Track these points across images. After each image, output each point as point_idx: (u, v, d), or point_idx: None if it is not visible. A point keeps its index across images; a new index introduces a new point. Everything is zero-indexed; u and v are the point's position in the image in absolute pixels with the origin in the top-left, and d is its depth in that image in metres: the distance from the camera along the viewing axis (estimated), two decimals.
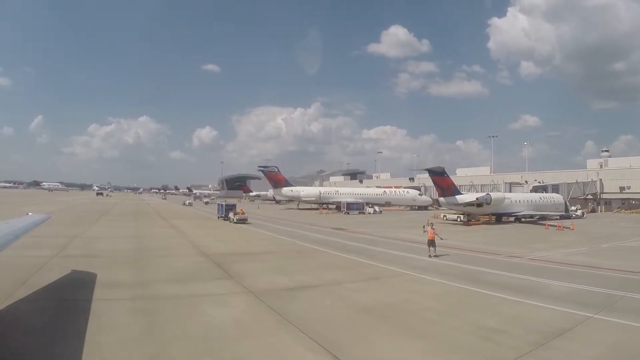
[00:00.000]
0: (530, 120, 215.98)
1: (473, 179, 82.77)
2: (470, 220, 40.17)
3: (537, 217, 47.69)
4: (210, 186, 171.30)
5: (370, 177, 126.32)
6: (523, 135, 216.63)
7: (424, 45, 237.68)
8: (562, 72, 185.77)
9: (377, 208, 61.46)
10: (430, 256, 18.71)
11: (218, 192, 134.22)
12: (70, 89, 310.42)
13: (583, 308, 10.57)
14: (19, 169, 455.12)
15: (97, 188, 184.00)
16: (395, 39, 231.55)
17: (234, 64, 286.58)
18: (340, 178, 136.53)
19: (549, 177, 72.49)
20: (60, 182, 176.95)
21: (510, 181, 71.24)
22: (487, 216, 41.91)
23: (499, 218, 42.90)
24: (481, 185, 76.47)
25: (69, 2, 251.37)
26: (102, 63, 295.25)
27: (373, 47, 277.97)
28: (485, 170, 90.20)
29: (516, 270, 15.96)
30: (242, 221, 36.13)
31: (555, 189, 57.82)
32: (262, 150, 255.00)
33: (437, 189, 41.11)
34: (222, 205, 42.33)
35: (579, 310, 10.41)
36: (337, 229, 34.15)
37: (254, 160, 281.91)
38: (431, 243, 18.82)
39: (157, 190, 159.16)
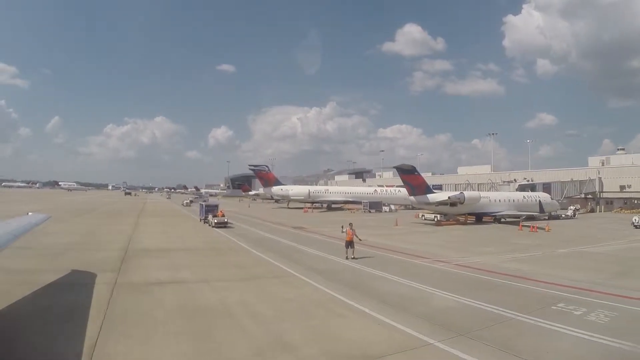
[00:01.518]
0: (547, 118, 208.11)
1: (469, 177, 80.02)
2: (442, 221, 38.47)
3: (524, 217, 45.44)
4: (221, 185, 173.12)
5: (375, 176, 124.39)
6: (539, 134, 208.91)
7: (439, 44, 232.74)
8: (578, 69, 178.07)
9: (392, 207, 62.11)
10: (347, 258, 17.63)
11: (224, 191, 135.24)
12: (87, 89, 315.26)
13: (435, 331, 8.89)
14: (36, 169, 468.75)
15: (111, 187, 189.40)
16: (410, 37, 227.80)
17: (249, 63, 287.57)
18: (345, 177, 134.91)
19: (548, 176, 69.01)
20: (76, 182, 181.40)
21: (507, 180, 68.40)
22: (464, 216, 40.04)
23: (479, 218, 40.91)
24: (478, 184, 73.90)
25: (85, 3, 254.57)
26: (118, 64, 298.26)
27: (388, 46, 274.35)
28: (486, 169, 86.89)
29: (419, 278, 14.32)
30: (222, 225, 31.05)
31: (547, 187, 54.75)
32: (278, 150, 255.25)
33: (406, 188, 39.44)
34: (202, 206, 37.53)
35: (426, 333, 8.70)
36: (297, 227, 33.38)
37: (270, 160, 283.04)
38: (349, 244, 17.80)
39: (168, 190, 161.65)
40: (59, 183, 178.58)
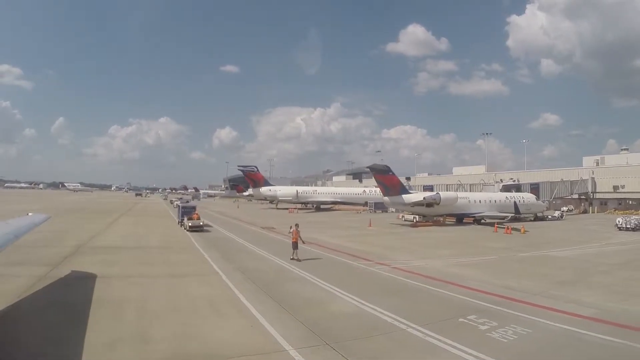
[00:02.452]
0: (551, 118, 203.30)
1: (463, 178, 78.02)
2: (418, 222, 36.89)
3: (509, 217, 43.53)
4: (222, 186, 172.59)
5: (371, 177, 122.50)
6: (543, 134, 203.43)
7: (443, 44, 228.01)
8: (582, 69, 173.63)
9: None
10: (291, 259, 17.06)
11: (223, 192, 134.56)
12: (91, 90, 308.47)
13: (304, 337, 8.24)
14: (40, 170, 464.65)
15: (115, 188, 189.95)
16: (413, 37, 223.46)
17: (253, 64, 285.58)
18: (343, 178, 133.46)
19: (543, 176, 66.62)
20: (80, 183, 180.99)
21: (499, 180, 66.23)
22: (443, 217, 38.45)
23: (460, 219, 39.17)
24: (470, 184, 71.92)
25: (90, 4, 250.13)
26: (123, 65, 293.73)
27: (391, 47, 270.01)
28: (480, 169, 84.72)
29: (341, 281, 13.27)
30: (197, 228, 27.80)
31: (535, 188, 52.61)
32: (282, 150, 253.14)
33: (380, 188, 37.93)
34: (179, 207, 33.76)
35: (292, 339, 8.13)
36: (266, 228, 32.25)
37: (274, 161, 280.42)
38: (295, 245, 17.29)
39: (169, 190, 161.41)
40: (65, 184, 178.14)
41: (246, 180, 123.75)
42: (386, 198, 37.32)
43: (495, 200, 39.60)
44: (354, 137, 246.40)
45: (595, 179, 62.07)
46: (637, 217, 33.94)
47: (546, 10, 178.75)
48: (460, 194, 41.10)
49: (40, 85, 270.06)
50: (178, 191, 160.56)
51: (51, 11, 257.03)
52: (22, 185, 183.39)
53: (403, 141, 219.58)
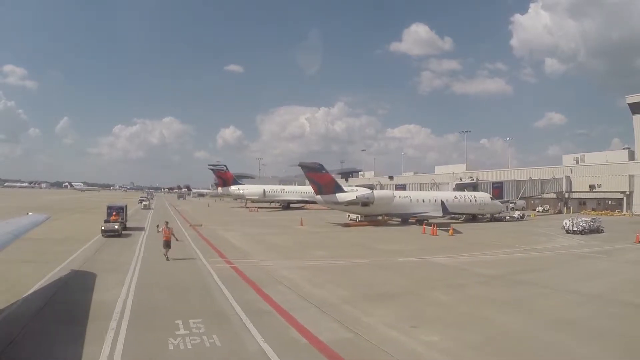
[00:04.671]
0: (556, 117, 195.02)
1: (441, 177, 74.07)
2: (351, 222, 33.70)
3: (463, 218, 39.93)
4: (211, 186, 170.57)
5: (359, 176, 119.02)
6: (548, 133, 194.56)
7: (446, 43, 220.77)
8: (587, 68, 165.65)
9: None
10: (167, 258, 15.97)
11: (212, 191, 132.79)
12: (95, 90, 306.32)
13: None
14: (45, 170, 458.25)
15: (118, 187, 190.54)
16: (416, 37, 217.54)
17: (257, 64, 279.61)
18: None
19: (522, 174, 62.17)
20: (84, 182, 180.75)
21: (483, 179, 62.10)
22: (382, 217, 35.15)
23: (405, 219, 35.75)
24: (446, 184, 67.94)
25: (94, 4, 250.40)
26: (127, 65, 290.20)
27: (395, 46, 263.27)
28: (461, 168, 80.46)
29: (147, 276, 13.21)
30: (111, 233, 22.65)
31: (499, 187, 48.48)
32: (286, 150, 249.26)
33: (312, 186, 34.84)
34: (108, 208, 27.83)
35: None
36: (193, 226, 30.87)
37: (277, 160, 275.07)
38: (166, 244, 16.24)
39: (167, 190, 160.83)
40: (72, 183, 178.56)
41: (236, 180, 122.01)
42: (319, 197, 34.23)
43: (440, 200, 35.88)
44: (358, 136, 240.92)
45: (574, 178, 57.55)
46: (586, 219, 29.92)
47: (550, 9, 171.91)
48: (402, 193, 37.67)
49: (45, 85, 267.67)
50: (174, 190, 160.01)
51: (55, 11, 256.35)
52: (22, 185, 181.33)
53: (407, 140, 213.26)
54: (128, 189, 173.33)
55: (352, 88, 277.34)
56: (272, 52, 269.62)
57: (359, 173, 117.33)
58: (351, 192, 34.32)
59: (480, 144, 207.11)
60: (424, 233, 28.24)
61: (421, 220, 34.20)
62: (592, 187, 53.64)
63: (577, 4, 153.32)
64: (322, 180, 33.78)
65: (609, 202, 55.50)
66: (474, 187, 47.27)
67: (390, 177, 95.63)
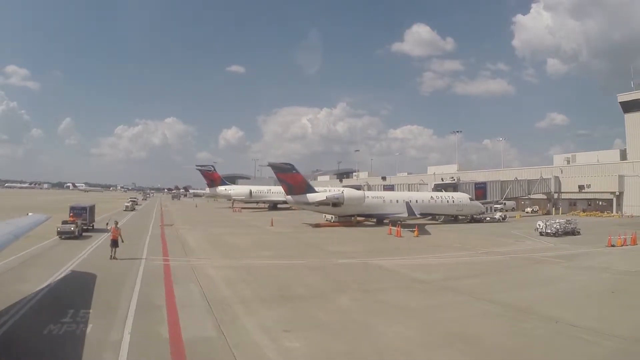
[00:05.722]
0: (558, 118, 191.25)
1: (427, 178, 72.62)
2: (321, 222, 32.67)
3: (442, 218, 38.63)
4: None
5: (353, 176, 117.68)
6: (550, 133, 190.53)
7: (448, 44, 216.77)
8: (589, 69, 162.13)
9: None
10: (111, 257, 15.75)
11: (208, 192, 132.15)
12: (97, 91, 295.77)
13: None
14: (47, 171, 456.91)
15: (120, 188, 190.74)
16: (418, 37, 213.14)
17: (259, 64, 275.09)
18: (327, 177, 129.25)
19: (510, 175, 60.70)
20: (85, 183, 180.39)
21: (471, 179, 60.66)
22: (353, 217, 34.00)
23: (380, 220, 34.51)
24: (435, 184, 66.55)
25: (96, 5, 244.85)
26: (129, 65, 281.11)
27: (397, 46, 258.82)
28: (453, 168, 78.97)
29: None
30: (67, 234, 21.22)
31: (482, 188, 46.97)
32: (288, 150, 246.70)
33: (283, 187, 33.81)
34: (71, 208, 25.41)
35: None
36: (166, 225, 31.46)
37: (280, 160, 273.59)
38: (114, 243, 16.04)
39: (167, 191, 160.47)
40: (76, 184, 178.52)
41: (233, 180, 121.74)
42: (289, 197, 33.24)
43: (416, 201, 34.66)
44: (360, 137, 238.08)
45: (564, 178, 55.89)
46: (560, 221, 28.48)
47: (551, 10, 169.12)
48: (376, 194, 36.50)
49: (47, 86, 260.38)
50: (172, 191, 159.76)
51: (57, 12, 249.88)
52: (22, 185, 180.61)
53: (410, 141, 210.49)
54: (129, 190, 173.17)
55: (354, 89, 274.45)
56: (274, 53, 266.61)
57: (353, 174, 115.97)
58: (322, 192, 33.23)
59: (483, 145, 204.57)
60: (390, 234, 27.14)
61: (395, 222, 33.03)
62: (581, 187, 51.96)
63: (578, 4, 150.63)
64: (293, 181, 32.78)
65: (600, 203, 53.71)
66: (454, 187, 45.87)
67: (383, 178, 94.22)
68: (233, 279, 13.16)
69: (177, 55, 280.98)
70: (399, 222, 32.45)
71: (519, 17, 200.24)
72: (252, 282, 12.77)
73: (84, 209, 25.48)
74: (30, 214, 13.91)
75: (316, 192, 33.24)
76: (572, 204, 56.62)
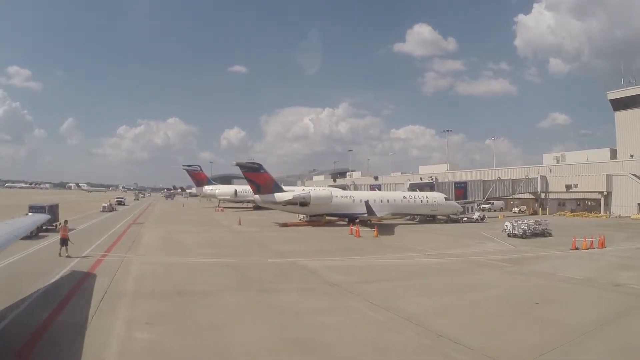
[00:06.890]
0: (560, 118, 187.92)
1: (413, 177, 71.37)
2: (288, 222, 31.93)
3: (418, 218, 37.59)
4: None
5: (346, 176, 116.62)
6: (553, 133, 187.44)
7: (450, 44, 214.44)
8: (591, 68, 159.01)
9: None
10: (60, 255, 15.76)
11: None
12: (100, 91, 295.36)
13: None
14: (49, 171, 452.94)
15: (122, 188, 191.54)
16: (420, 37, 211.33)
17: (261, 65, 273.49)
18: (322, 177, 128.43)
19: (494, 174, 59.23)
20: (87, 183, 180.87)
21: (460, 179, 59.35)
22: (322, 217, 33.17)
23: (352, 220, 33.54)
24: (410, 183, 65.32)
25: (98, 5, 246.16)
26: (131, 65, 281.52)
27: (399, 46, 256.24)
28: (443, 168, 77.60)
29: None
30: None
31: (462, 187, 45.74)
32: (290, 150, 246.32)
33: (251, 186, 33.08)
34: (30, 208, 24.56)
35: None
36: (136, 224, 31.24)
37: (283, 160, 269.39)
38: (63, 242, 16.07)
39: (165, 191, 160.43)
40: (79, 184, 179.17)
41: (229, 180, 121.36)
42: (257, 197, 32.53)
43: (387, 200, 33.71)
44: (363, 137, 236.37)
45: (553, 178, 54.33)
46: (529, 221, 27.28)
47: (553, 9, 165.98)
48: (346, 193, 35.55)
49: (49, 86, 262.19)
50: (170, 191, 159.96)
51: (59, 12, 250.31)
52: (22, 185, 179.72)
53: (412, 141, 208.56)
54: (130, 190, 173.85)
55: (356, 89, 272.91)
56: (276, 53, 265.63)
57: (347, 174, 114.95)
58: (289, 192, 32.45)
59: (486, 145, 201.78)
60: (351, 234, 26.25)
61: (365, 221, 32.10)
62: (568, 187, 50.44)
63: (580, 3, 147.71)
64: (261, 180, 32.05)
65: (589, 203, 52.15)
66: (430, 187, 44.69)
67: (375, 178, 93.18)
68: (148, 274, 13.27)
69: (179, 56, 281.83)
70: (368, 221, 31.65)
71: (521, 17, 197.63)
72: (162, 278, 12.93)
73: (43, 208, 24.70)
74: (30, 214, 13.60)
75: (284, 191, 32.42)
76: (561, 204, 55.15)
